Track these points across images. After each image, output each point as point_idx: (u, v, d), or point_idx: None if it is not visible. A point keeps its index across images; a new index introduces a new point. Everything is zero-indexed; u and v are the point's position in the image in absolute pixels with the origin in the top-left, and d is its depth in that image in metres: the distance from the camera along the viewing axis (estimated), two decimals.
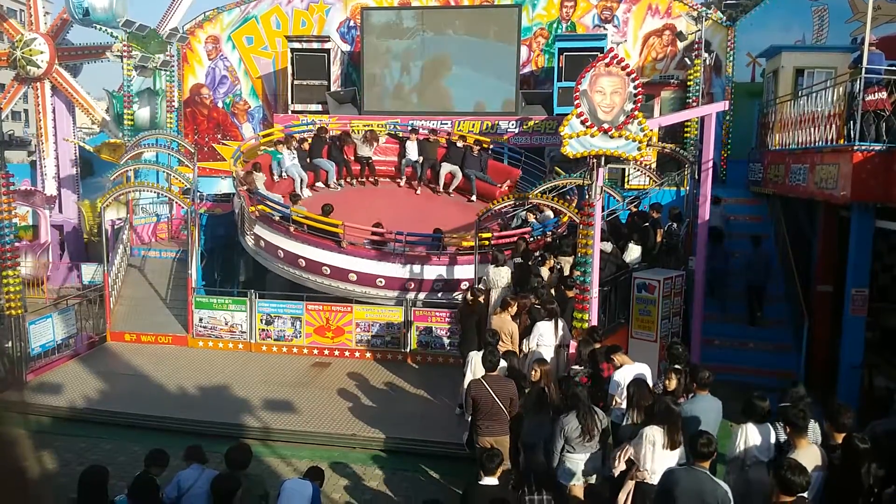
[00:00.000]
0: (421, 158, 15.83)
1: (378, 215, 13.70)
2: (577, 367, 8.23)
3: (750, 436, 6.32)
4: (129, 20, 19.02)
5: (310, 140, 16.00)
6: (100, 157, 19.99)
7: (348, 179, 16.17)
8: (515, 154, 16.42)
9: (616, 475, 6.53)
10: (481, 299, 11.09)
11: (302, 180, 15.37)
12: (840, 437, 5.83)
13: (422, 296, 13.21)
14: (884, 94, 9.99)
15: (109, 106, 21.05)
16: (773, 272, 13.16)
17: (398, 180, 16.27)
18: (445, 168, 15.38)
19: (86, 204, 20.65)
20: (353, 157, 16.17)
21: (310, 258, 13.25)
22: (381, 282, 13.06)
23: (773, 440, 6.37)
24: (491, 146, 16.13)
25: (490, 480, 5.93)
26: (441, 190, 15.74)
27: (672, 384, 7.39)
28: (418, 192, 15.93)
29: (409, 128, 16.20)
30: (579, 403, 6.81)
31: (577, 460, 6.88)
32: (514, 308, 9.81)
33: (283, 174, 15.53)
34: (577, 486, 7.00)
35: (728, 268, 13.15)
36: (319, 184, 15.93)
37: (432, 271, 13.05)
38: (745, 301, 12.99)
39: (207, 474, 6.26)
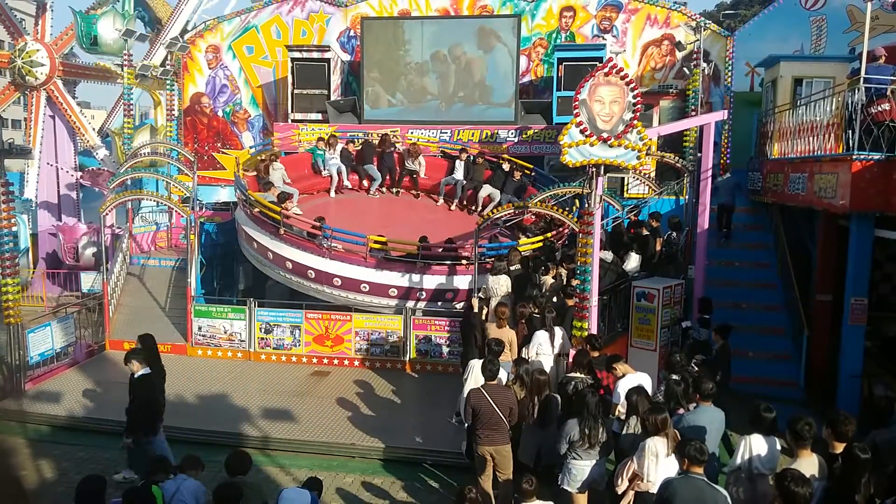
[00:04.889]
0: (466, 179, 15.85)
1: (387, 224, 13.89)
2: (572, 374, 8.22)
3: (754, 446, 6.29)
4: (130, 29, 19.09)
5: (357, 144, 16.47)
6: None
7: (392, 190, 16.32)
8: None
9: (620, 493, 6.51)
10: (480, 307, 11.04)
11: (341, 176, 15.92)
12: (840, 447, 5.81)
13: (421, 304, 13.21)
14: (887, 106, 10.00)
15: (74, 25, 20.04)
16: (737, 194, 14.93)
17: (435, 196, 16.30)
18: (486, 190, 15.45)
19: (116, 132, 20.42)
20: (399, 169, 16.45)
21: (296, 261, 13.38)
22: (365, 287, 13.08)
23: (778, 452, 6.35)
24: (533, 172, 16.13)
25: None
26: (477, 210, 15.62)
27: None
28: (452, 208, 15.94)
29: (461, 147, 16.24)
30: (584, 410, 6.81)
31: (583, 467, 6.88)
32: (507, 313, 9.79)
33: (325, 171, 15.99)
34: (580, 496, 6.99)
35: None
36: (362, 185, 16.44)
37: (431, 280, 13.05)
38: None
39: (187, 484, 6.24)
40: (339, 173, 15.91)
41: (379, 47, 17.35)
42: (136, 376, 8.38)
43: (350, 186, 16.26)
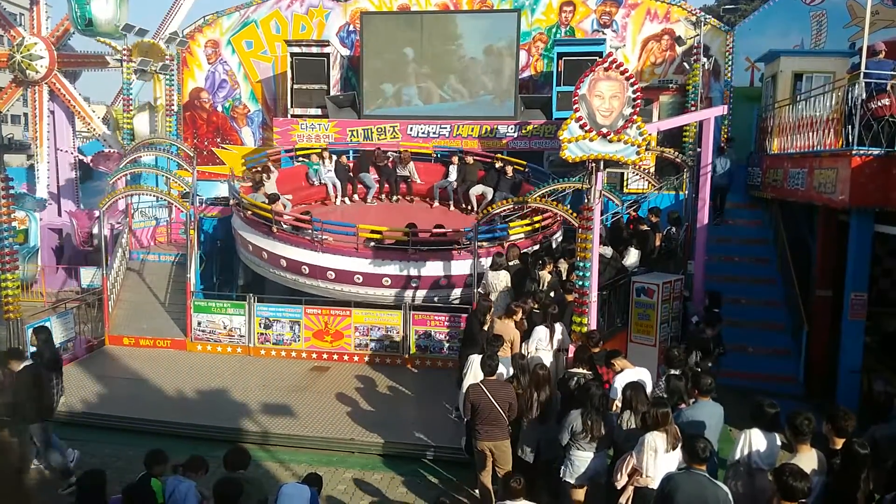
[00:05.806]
0: (459, 180, 15.90)
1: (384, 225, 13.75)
2: (574, 370, 8.22)
3: (754, 441, 6.29)
4: (129, 24, 19.02)
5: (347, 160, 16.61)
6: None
7: (393, 198, 16.40)
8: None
9: (619, 487, 6.52)
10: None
11: (336, 188, 16.10)
12: (840, 442, 5.81)
13: (416, 293, 13.21)
14: (887, 101, 9.99)
15: (68, 8, 19.24)
16: (733, 177, 15.00)
17: (429, 200, 16.36)
18: (478, 189, 15.47)
19: (118, 111, 20.33)
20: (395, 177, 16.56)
21: (290, 258, 13.37)
22: (358, 278, 13.06)
23: (777, 447, 6.35)
24: (526, 169, 16.08)
25: None
26: (472, 209, 15.55)
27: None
28: (451, 209, 15.96)
29: (453, 152, 16.28)
30: (587, 402, 6.82)
31: (585, 458, 6.89)
32: (520, 315, 9.75)
33: (320, 181, 16.14)
34: (579, 491, 7.00)
35: None
36: (356, 196, 16.51)
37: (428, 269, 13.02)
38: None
39: (181, 488, 6.23)
40: (333, 186, 16.01)
41: (378, 42, 17.23)
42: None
43: (348, 202, 16.27)
